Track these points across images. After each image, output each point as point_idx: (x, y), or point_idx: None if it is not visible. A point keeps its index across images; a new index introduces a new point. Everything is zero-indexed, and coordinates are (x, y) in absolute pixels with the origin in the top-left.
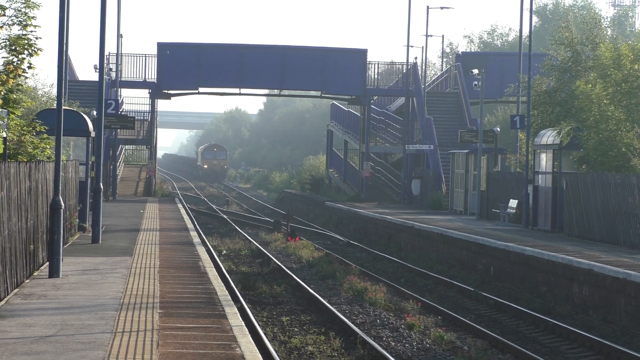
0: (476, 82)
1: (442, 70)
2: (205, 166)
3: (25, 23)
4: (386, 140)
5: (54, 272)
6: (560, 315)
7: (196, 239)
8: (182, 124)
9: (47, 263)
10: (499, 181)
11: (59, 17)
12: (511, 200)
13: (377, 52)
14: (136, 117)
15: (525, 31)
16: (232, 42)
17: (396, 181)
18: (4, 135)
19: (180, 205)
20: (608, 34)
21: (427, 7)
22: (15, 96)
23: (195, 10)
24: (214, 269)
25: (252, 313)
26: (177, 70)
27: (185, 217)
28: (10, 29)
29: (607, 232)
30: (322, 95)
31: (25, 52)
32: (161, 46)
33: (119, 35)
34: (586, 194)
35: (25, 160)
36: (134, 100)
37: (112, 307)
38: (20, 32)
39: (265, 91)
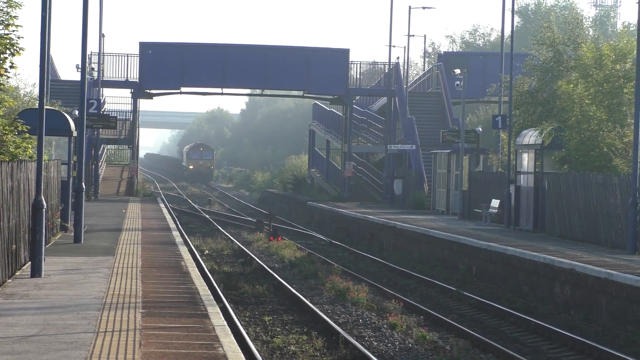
0: (458, 82)
1: (424, 70)
2: (191, 167)
3: (7, 22)
4: (368, 140)
5: (36, 272)
6: (542, 315)
7: (178, 239)
8: (164, 124)
9: (29, 263)
10: (481, 181)
11: (41, 16)
12: (493, 200)
13: (360, 52)
14: (118, 117)
15: (507, 31)
16: (214, 42)
17: (378, 181)
18: None
19: (162, 205)
20: (590, 34)
21: (409, 7)
22: None
23: (177, 10)
24: (196, 268)
25: (234, 313)
26: (159, 70)
27: (168, 216)
28: None
29: (588, 232)
30: (304, 95)
31: (7, 51)
32: (143, 46)
33: (101, 35)
34: (568, 194)
35: (7, 159)
36: (116, 100)
37: (94, 306)
38: (2, 31)
39: (248, 91)
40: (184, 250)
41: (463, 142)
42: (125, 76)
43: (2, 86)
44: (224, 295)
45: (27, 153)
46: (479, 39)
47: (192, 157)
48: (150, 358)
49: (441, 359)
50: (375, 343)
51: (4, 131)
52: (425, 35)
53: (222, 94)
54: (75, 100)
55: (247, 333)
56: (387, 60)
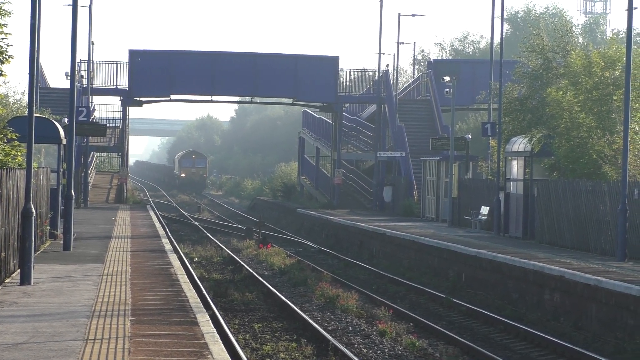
0: (448, 90)
1: (413, 77)
2: (183, 175)
3: None
4: (358, 147)
5: (25, 280)
6: (531, 322)
7: (168, 246)
8: (154, 132)
9: (19, 270)
10: (471, 188)
11: (30, 24)
12: (482, 207)
13: (349, 60)
14: (107, 125)
15: (497, 38)
16: (204, 49)
17: (368, 188)
18: None
19: (152, 213)
20: (579, 41)
21: (399, 14)
22: None
23: (167, 17)
24: (185, 276)
25: (223, 320)
26: (148, 78)
27: (157, 224)
28: None
29: (578, 239)
30: (294, 102)
31: None
32: (133, 53)
33: (91, 43)
34: (557, 201)
35: None
36: (105, 108)
37: (83, 314)
38: None
39: (237, 98)
40: (173, 257)
41: (453, 150)
42: (115, 84)
43: None
44: (213, 303)
45: (17, 161)
46: (469, 47)
47: (185, 165)
48: None
49: None
50: (365, 350)
51: None
52: (414, 43)
53: (211, 101)
54: (64, 108)
55: (237, 340)
56: (377, 68)
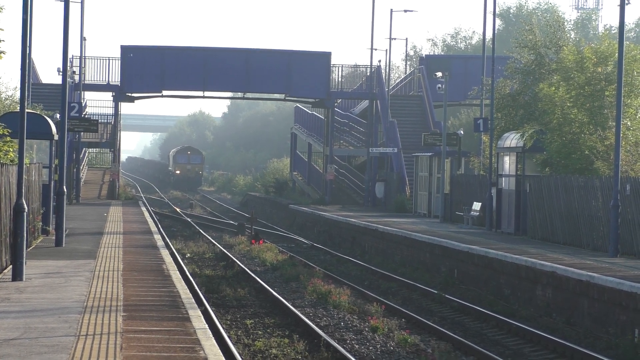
0: (440, 85)
1: (406, 73)
2: (178, 171)
3: None
4: (350, 143)
5: (17, 275)
6: (523, 318)
7: (160, 242)
8: (146, 127)
9: (11, 266)
10: (463, 184)
11: (22, 19)
12: (475, 203)
13: (341, 55)
14: (99, 120)
15: (489, 34)
16: (196, 45)
17: (360, 184)
18: None
19: (144, 209)
20: (571, 37)
21: (391, 10)
22: None
23: (159, 13)
24: (177, 272)
25: (215, 316)
26: (140, 73)
27: (149, 220)
28: None
29: (570, 235)
30: (286, 98)
31: None
32: (125, 49)
33: (83, 38)
34: (550, 197)
35: None
36: (97, 103)
37: (75, 310)
38: None
39: (229, 94)
40: (165, 253)
41: (445, 145)
42: (107, 79)
43: None
44: (205, 299)
45: (9, 156)
46: (461, 42)
47: (179, 162)
48: None
49: None
50: (357, 346)
51: None
52: (406, 39)
53: (203, 97)
54: (56, 104)
55: (229, 336)
56: (369, 63)
